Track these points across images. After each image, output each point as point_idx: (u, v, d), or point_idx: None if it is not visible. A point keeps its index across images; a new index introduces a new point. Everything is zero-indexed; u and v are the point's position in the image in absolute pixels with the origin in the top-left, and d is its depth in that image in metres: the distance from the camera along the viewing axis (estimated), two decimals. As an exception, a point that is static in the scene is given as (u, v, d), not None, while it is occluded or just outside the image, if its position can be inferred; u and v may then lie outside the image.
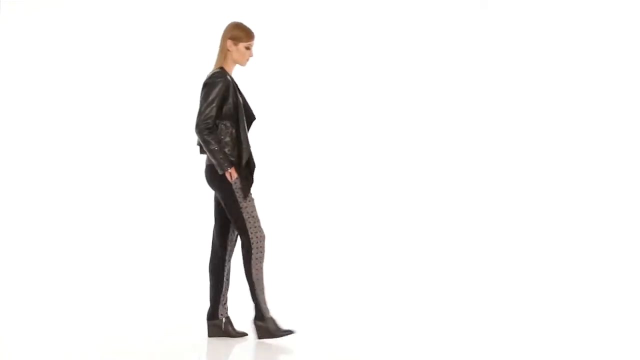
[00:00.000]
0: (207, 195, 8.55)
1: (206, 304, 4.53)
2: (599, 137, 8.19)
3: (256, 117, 4.42)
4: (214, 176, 4.29)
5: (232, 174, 4.23)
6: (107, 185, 8.67)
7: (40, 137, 8.78)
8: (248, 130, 4.37)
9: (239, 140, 4.27)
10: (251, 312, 4.97)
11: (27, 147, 8.80)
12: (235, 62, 4.35)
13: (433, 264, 6.98)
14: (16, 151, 8.80)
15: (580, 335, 4.61)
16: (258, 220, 4.31)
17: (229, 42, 4.31)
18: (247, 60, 4.36)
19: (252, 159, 4.32)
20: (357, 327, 4.80)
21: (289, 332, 4.34)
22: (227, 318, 4.47)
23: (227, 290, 4.48)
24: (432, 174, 8.53)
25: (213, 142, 4.20)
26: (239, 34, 4.31)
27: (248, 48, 4.33)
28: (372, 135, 8.63)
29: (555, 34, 8.34)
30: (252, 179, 4.31)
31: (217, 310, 4.44)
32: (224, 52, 4.33)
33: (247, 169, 4.28)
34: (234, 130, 4.27)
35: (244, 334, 4.50)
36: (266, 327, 4.33)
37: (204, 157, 4.41)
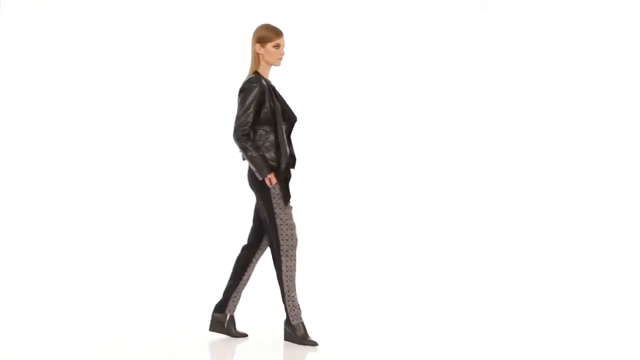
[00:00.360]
0: (210, 196, 8.56)
1: (205, 305, 4.52)
2: (599, 137, 8.20)
3: (297, 118, 4.38)
4: (254, 180, 4.28)
5: (271, 180, 4.21)
6: (107, 184, 8.68)
7: (41, 137, 8.78)
8: (291, 131, 4.35)
9: (277, 145, 4.26)
10: (258, 314, 4.98)
11: (27, 147, 8.80)
12: (268, 63, 4.31)
13: (436, 265, 6.98)
14: (16, 151, 8.80)
15: (580, 335, 4.61)
16: (292, 228, 4.28)
17: (257, 45, 4.28)
18: (279, 59, 4.30)
19: (290, 166, 4.31)
20: (360, 328, 4.80)
21: (313, 343, 4.32)
22: (232, 317, 4.46)
23: (242, 289, 4.48)
24: (432, 174, 8.54)
25: (251, 149, 4.19)
26: (264, 35, 4.27)
27: (276, 47, 4.27)
28: (372, 135, 8.63)
29: (555, 34, 8.35)
30: (286, 187, 4.29)
31: (226, 306, 4.44)
32: (255, 56, 4.30)
33: (285, 174, 4.27)
34: (272, 135, 4.26)
35: (244, 335, 4.50)
36: (292, 332, 4.33)
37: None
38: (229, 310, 4.44)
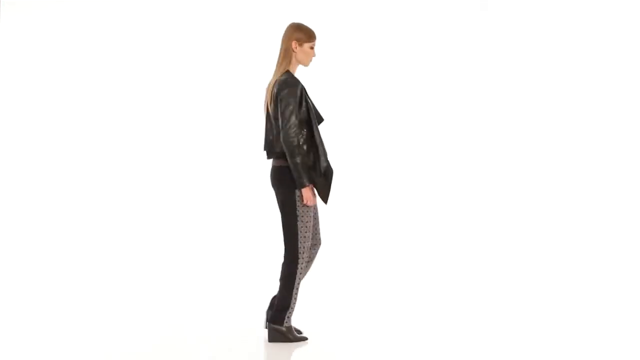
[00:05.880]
0: (212, 196, 8.52)
1: (205, 305, 4.51)
2: (598, 137, 8.21)
3: (324, 118, 4.39)
4: (282, 181, 4.24)
5: (307, 193, 4.19)
6: (109, 185, 8.68)
7: (41, 137, 8.78)
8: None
9: (314, 144, 4.24)
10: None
11: (28, 147, 8.80)
12: (299, 62, 4.32)
13: (434, 265, 6.99)
14: (17, 151, 8.79)
15: (580, 335, 4.62)
16: (309, 231, 4.28)
17: (294, 43, 4.28)
18: (311, 60, 4.34)
19: (329, 164, 4.29)
20: (361, 329, 4.81)
21: (304, 338, 4.35)
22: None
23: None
24: (432, 174, 8.55)
25: (299, 155, 4.18)
26: (303, 35, 4.28)
27: (312, 48, 4.30)
28: (372, 135, 8.64)
29: (555, 35, 8.36)
30: (330, 184, 4.28)
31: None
32: (288, 55, 4.30)
33: (326, 172, 4.27)
34: (309, 135, 4.24)
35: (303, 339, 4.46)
36: (286, 332, 4.35)
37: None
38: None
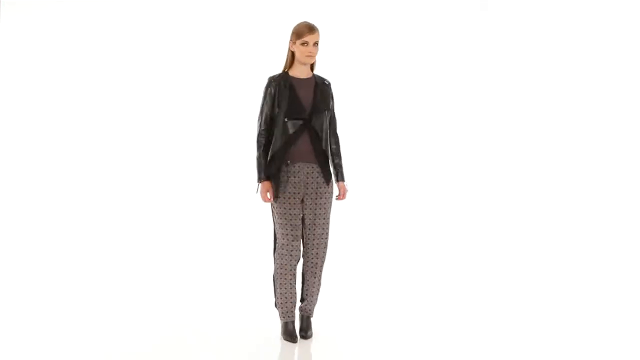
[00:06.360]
0: (213, 196, 8.49)
1: (206, 306, 4.51)
2: (598, 137, 8.21)
3: (309, 114, 4.30)
4: None
5: (261, 189, 4.25)
6: (110, 186, 8.67)
7: (42, 137, 8.77)
8: (309, 127, 4.29)
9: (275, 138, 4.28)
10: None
11: (28, 147, 8.79)
12: (298, 61, 4.31)
13: (434, 265, 6.98)
14: (17, 151, 8.79)
15: (580, 335, 4.62)
16: (282, 227, 4.28)
17: (290, 43, 4.30)
18: (307, 57, 4.28)
19: (280, 159, 4.25)
20: (363, 329, 4.81)
21: (291, 340, 4.38)
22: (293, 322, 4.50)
23: (304, 293, 4.52)
24: (432, 174, 8.55)
25: (259, 150, 4.27)
26: (295, 31, 4.28)
27: (303, 44, 4.25)
28: (373, 135, 8.63)
29: (554, 35, 8.36)
30: (280, 181, 4.26)
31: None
32: (288, 53, 4.33)
33: (269, 171, 4.26)
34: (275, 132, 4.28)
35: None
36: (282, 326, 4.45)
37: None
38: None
